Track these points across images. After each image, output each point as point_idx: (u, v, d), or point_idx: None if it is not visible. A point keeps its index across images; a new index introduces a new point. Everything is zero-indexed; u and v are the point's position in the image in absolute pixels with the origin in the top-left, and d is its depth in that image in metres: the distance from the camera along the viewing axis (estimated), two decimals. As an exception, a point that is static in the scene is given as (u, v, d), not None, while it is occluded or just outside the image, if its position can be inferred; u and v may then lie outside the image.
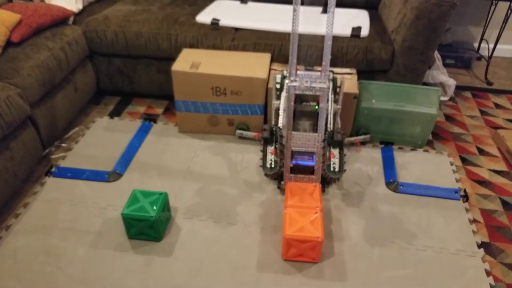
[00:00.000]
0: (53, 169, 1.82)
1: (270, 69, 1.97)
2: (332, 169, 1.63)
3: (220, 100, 1.94)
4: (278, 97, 1.79)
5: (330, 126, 1.70)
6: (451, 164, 1.93)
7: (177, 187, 1.74)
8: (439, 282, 1.41)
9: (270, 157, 1.65)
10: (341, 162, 1.63)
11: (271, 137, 1.64)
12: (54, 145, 1.97)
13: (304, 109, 1.74)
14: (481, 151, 2.04)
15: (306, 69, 1.98)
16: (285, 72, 1.71)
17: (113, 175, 1.79)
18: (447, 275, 1.43)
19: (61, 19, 2.00)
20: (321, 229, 1.40)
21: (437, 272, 1.44)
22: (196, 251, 1.48)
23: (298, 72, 1.66)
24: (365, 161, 1.92)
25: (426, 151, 2.01)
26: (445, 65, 2.78)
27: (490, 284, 1.40)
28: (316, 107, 1.70)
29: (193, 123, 2.04)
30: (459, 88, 2.55)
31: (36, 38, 1.88)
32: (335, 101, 1.80)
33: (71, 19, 2.11)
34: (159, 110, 2.26)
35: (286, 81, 1.66)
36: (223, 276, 1.41)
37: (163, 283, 1.38)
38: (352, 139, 1.98)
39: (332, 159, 1.63)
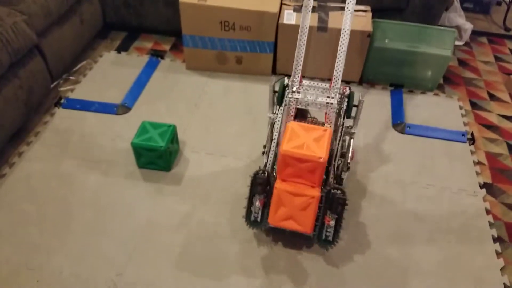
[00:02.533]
0: (62, 101, 1.83)
1: (281, 4, 1.90)
2: (324, 237, 1.24)
3: (229, 36, 1.89)
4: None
5: (337, 161, 1.32)
6: (460, 108, 1.91)
7: (184, 122, 1.76)
8: (439, 218, 1.45)
9: (257, 210, 1.27)
10: (337, 232, 1.23)
11: (264, 186, 1.21)
12: (62, 78, 1.97)
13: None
14: (492, 97, 2.01)
15: (319, 5, 1.90)
16: (286, 81, 1.36)
17: (122, 108, 1.80)
18: (448, 212, 1.47)
19: None
20: (326, 151, 1.18)
21: (438, 209, 1.48)
22: (203, 182, 1.52)
23: (304, 82, 1.34)
24: (373, 103, 1.91)
25: (436, 94, 1.98)
26: (463, 8, 2.65)
27: (489, 222, 1.44)
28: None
29: (201, 60, 2.01)
30: (475, 33, 2.46)
31: (39, -36, 1.80)
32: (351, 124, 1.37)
33: None
34: (166, 47, 2.22)
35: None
36: (229, 205, 1.45)
37: (172, 210, 1.43)
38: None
39: (326, 225, 1.21)
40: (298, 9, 1.88)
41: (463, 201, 1.51)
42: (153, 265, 1.28)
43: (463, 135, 1.76)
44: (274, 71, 2.04)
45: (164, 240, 1.34)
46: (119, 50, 2.18)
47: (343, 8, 1.89)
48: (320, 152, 1.16)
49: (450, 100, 1.96)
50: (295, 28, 1.84)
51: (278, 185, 1.19)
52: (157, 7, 2.13)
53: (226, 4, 1.80)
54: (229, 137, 1.70)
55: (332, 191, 1.17)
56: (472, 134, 1.77)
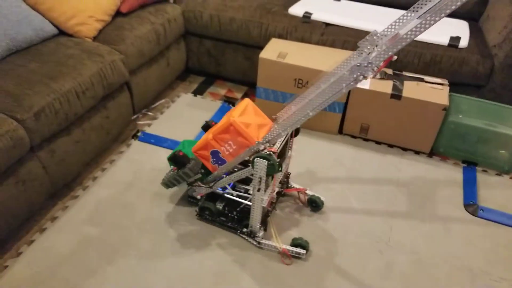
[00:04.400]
0: (139, 134, 1.96)
1: (356, 69, 1.94)
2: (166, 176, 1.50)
3: (300, 92, 1.95)
4: None
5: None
6: (540, 196, 1.77)
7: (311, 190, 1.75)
8: (512, 317, 1.30)
9: (169, 172, 1.50)
10: (171, 177, 1.47)
11: (180, 164, 1.44)
12: (142, 112, 2.12)
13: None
14: None
15: (395, 73, 1.92)
16: None
17: (191, 148, 1.89)
18: (522, 312, 1.32)
19: (165, -3, 2.14)
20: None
21: (511, 306, 1.34)
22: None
23: None
24: (443, 178, 1.82)
25: (512, 178, 1.86)
26: (546, 91, 2.54)
27: None
28: None
29: (270, 111, 2.06)
30: (559, 118, 2.32)
31: (141, 11, 2.02)
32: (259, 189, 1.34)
33: (173, -2, 2.25)
34: (238, 95, 2.34)
35: None
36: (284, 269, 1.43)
37: (221, 256, 1.44)
38: (281, 246, 1.46)
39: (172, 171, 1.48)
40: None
41: (542, 302, 1.36)
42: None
43: (543, 227, 1.61)
44: (340, 131, 2.05)
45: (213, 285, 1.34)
46: (195, 93, 2.32)
47: (418, 79, 1.89)
48: (258, 138, 1.29)
49: (528, 186, 1.82)
50: (367, 93, 1.86)
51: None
52: (236, 59, 2.27)
53: (303, 63, 1.87)
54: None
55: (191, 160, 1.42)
56: (553, 227, 1.62)
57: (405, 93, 1.81)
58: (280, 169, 1.30)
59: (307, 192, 1.65)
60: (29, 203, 1.45)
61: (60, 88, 1.49)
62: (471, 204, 1.70)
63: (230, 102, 2.25)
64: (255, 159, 1.27)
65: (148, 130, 2.00)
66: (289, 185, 1.67)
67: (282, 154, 1.48)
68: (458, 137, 1.87)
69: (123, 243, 1.45)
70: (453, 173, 1.86)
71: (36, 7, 1.74)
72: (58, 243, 1.45)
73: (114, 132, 1.83)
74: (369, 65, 1.04)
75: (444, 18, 2.13)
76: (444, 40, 1.92)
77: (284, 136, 1.38)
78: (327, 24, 2.10)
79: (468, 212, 1.67)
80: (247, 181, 1.46)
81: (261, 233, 1.47)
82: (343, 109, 1.95)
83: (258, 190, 1.33)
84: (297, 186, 1.66)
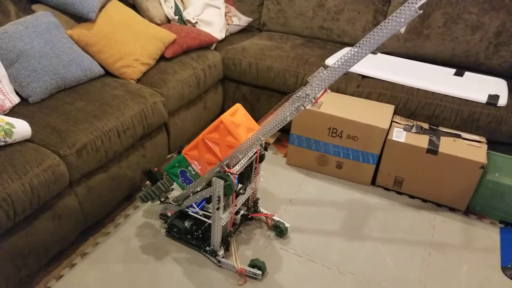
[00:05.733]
0: (172, 173, 1.99)
1: (391, 121, 1.94)
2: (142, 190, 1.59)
3: (334, 142, 1.95)
4: None
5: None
6: None
7: (278, 216, 1.77)
8: None
9: (147, 188, 1.58)
10: (146, 192, 1.57)
11: (153, 179, 1.59)
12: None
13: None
14: None
15: (431, 128, 1.91)
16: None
17: (222, 191, 1.90)
18: None
19: (207, 44, 2.24)
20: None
21: None
22: (289, 285, 1.48)
23: None
24: (479, 238, 1.75)
25: (556, 244, 1.76)
26: None
27: None
28: None
29: (302, 158, 2.08)
30: None
31: (183, 56, 2.12)
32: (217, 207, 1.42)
33: (214, 45, 2.35)
34: (271, 140, 2.36)
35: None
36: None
37: (181, 271, 1.40)
38: (239, 266, 1.51)
39: (147, 187, 1.60)
40: (408, 129, 1.90)
41: None
42: None
43: None
44: (373, 182, 2.02)
45: None
46: (228, 135, 2.37)
47: (455, 135, 1.87)
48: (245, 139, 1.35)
49: None
50: (402, 146, 1.84)
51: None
52: (271, 105, 2.32)
53: (338, 113, 1.89)
54: (318, 240, 1.66)
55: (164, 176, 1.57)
56: None
57: (441, 149, 1.78)
58: (243, 191, 1.41)
59: (274, 218, 1.72)
60: (62, 237, 1.47)
61: (103, 127, 1.54)
62: (509, 267, 1.61)
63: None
64: (213, 179, 1.35)
65: (181, 170, 2.04)
66: (258, 210, 1.74)
67: (247, 177, 1.60)
68: (496, 196, 1.81)
69: (151, 283, 1.44)
70: (489, 233, 1.78)
71: (87, 49, 1.86)
72: (86, 279, 1.45)
73: (149, 170, 1.87)
74: (307, 96, 1.18)
75: (482, 76, 2.15)
76: (482, 98, 1.90)
77: (245, 159, 1.46)
78: (363, 76, 2.13)
79: (506, 275, 1.58)
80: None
81: (221, 252, 1.53)
82: (377, 161, 1.93)
83: (217, 209, 1.41)
84: (265, 212, 1.75)
